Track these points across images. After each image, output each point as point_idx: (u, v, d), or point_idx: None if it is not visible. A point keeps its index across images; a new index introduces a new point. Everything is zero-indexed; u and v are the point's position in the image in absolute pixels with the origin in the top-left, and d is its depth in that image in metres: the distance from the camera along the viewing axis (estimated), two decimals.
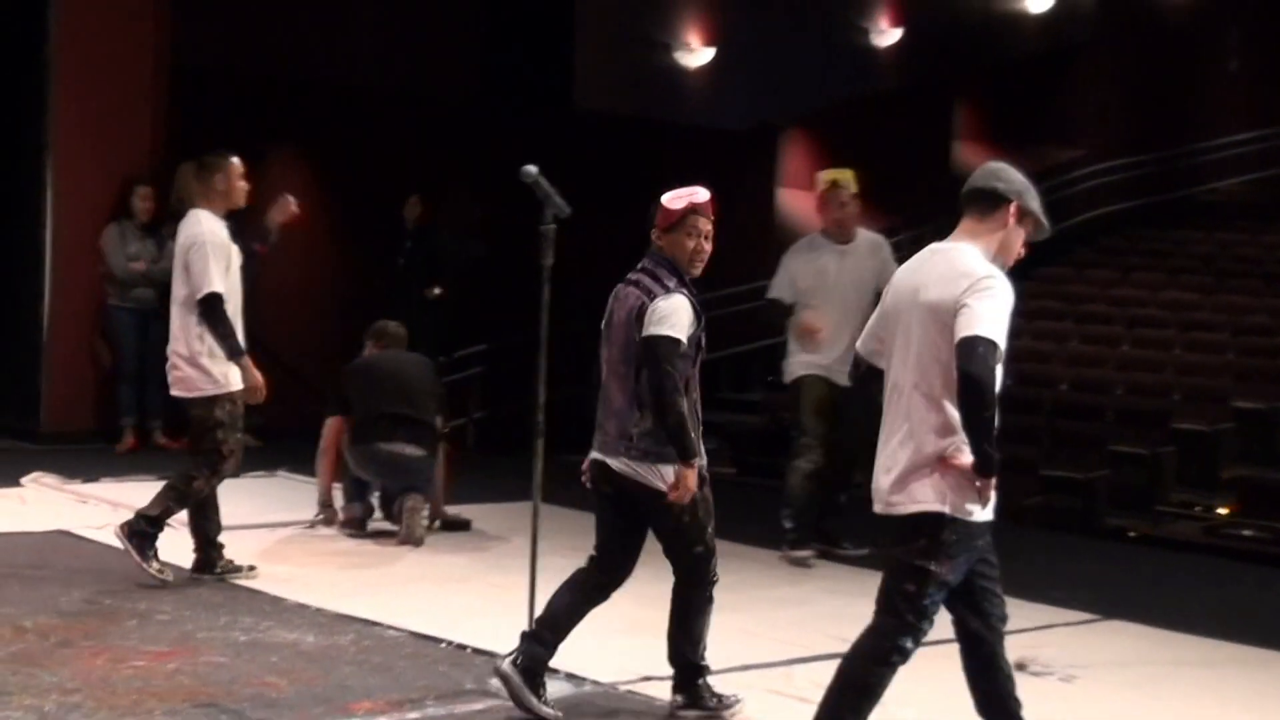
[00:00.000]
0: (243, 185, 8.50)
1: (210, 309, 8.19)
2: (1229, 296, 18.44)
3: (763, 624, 8.12)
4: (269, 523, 10.15)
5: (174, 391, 8.40)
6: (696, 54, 18.72)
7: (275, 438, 12.81)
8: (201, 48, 14.27)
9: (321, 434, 10.06)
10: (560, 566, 8.69)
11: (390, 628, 7.55)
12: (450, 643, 7.35)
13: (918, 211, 20.90)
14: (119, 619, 7.45)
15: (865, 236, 10.18)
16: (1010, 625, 7.82)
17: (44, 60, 12.75)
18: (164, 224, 12.76)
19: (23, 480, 10.95)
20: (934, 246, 5.52)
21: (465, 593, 8.50)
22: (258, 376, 8.34)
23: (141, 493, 10.62)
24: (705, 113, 18.88)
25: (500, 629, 7.32)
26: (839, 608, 8.49)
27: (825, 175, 10.18)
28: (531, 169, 6.83)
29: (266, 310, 15.13)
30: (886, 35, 21.29)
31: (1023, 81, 23.74)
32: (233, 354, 8.22)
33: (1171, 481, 13.99)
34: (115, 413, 12.82)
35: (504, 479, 11.11)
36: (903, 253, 20.39)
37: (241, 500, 10.82)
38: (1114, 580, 10.17)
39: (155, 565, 8.18)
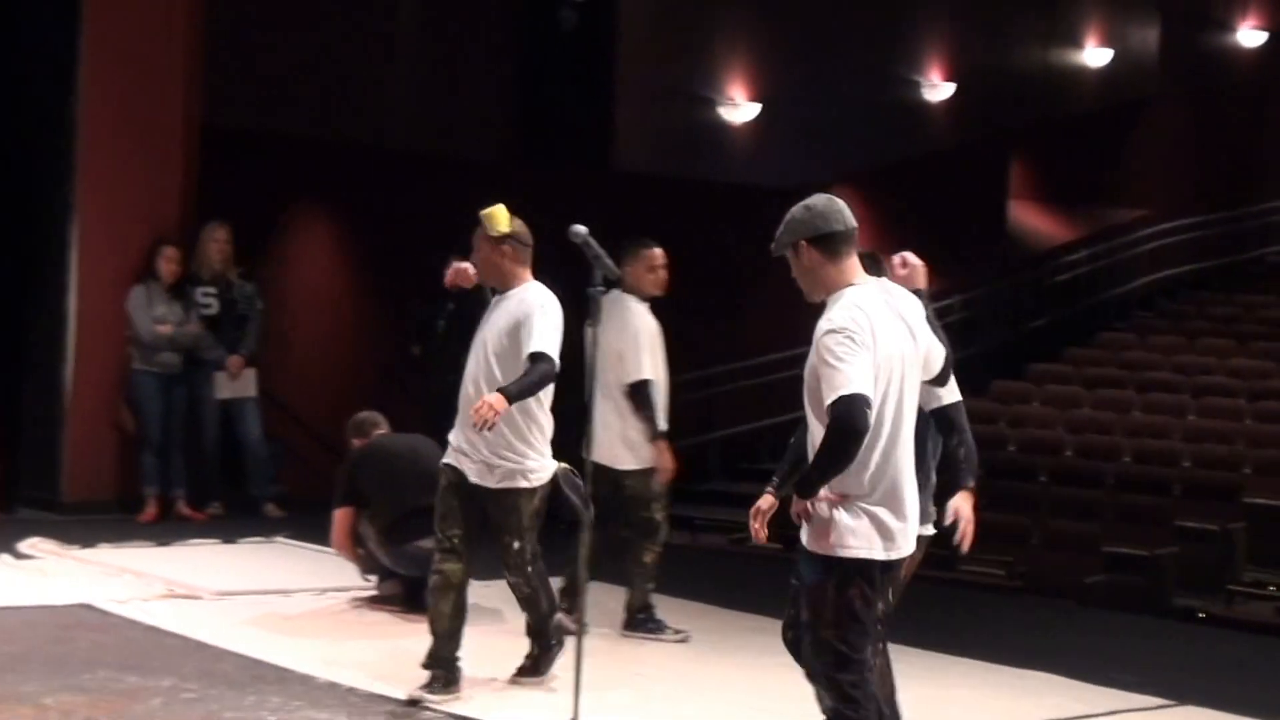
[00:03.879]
0: (653, 275, 9.01)
1: (641, 393, 8.90)
2: None
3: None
4: (273, 589, 9.91)
5: (599, 459, 8.37)
6: (741, 109, 18.55)
7: (302, 507, 12.43)
8: (232, 107, 14.13)
9: (332, 527, 9.58)
10: (604, 643, 8.58)
11: (427, 709, 7.28)
12: None
13: (971, 274, 20.60)
14: (143, 697, 7.25)
15: (519, 290, 7.59)
16: (1077, 711, 7.85)
17: (71, 119, 12.44)
18: (187, 286, 12.50)
19: (20, 546, 10.68)
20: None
21: (504, 671, 8.13)
22: (671, 458, 9.02)
23: (143, 559, 10.60)
24: (749, 171, 18.68)
25: (542, 711, 7.23)
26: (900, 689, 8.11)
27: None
28: (581, 229, 6.61)
29: (296, 374, 14.88)
30: (939, 90, 21.15)
31: (1082, 138, 23.56)
32: (655, 435, 8.93)
33: (1244, 559, 13.67)
34: (137, 481, 12.44)
35: (546, 552, 10.77)
36: (954, 317, 20.25)
37: (244, 567, 10.72)
38: (1185, 664, 9.79)
39: (670, 632, 9.11)
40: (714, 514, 16.02)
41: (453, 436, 7.58)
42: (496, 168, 16.49)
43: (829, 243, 5.46)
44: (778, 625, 9.51)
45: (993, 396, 17.82)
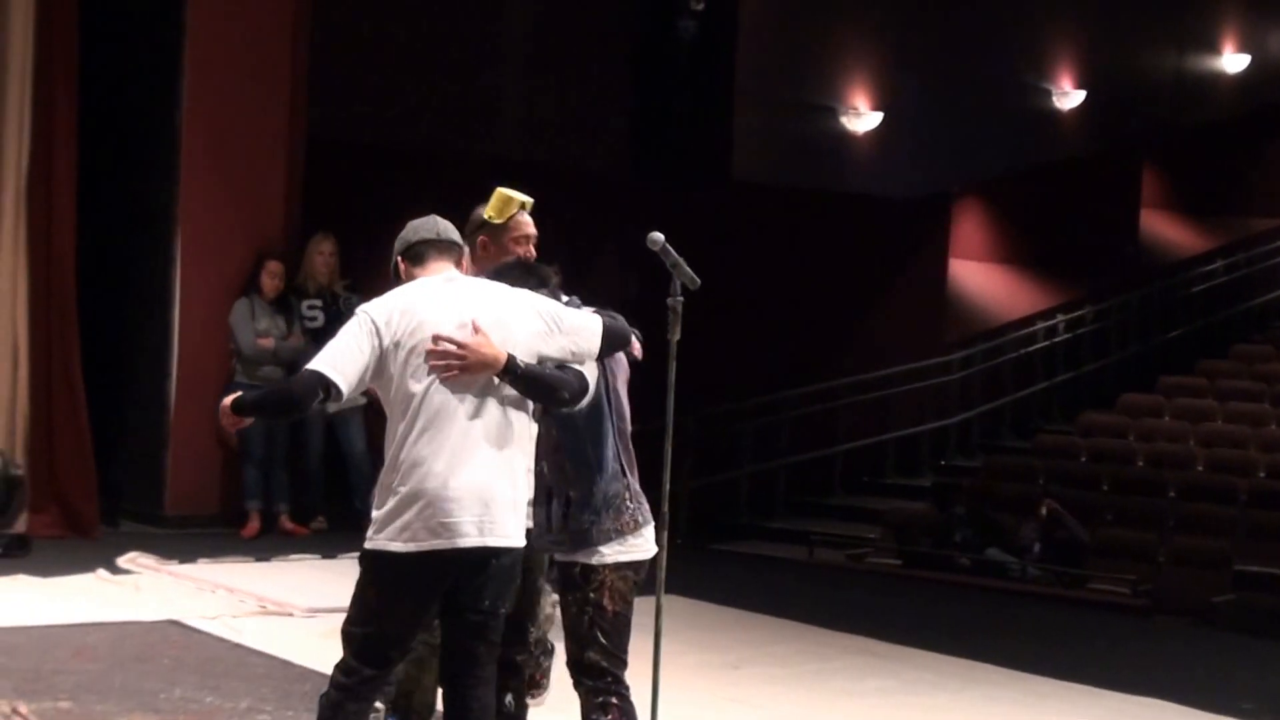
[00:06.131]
0: None
1: None
2: None
3: None
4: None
5: None
6: (864, 119, 18.17)
7: None
8: (339, 118, 13.95)
9: None
10: (684, 663, 8.22)
11: None
12: None
13: (1102, 285, 20.15)
14: (217, 717, 7.19)
15: None
16: None
17: (175, 129, 12.35)
18: (291, 299, 12.41)
19: (119, 560, 10.66)
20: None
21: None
22: None
23: (240, 574, 10.53)
24: (873, 181, 18.31)
25: None
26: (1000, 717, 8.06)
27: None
28: (658, 236, 6.25)
29: None
30: (1069, 97, 20.58)
31: (1217, 146, 23.02)
32: None
33: None
34: (240, 496, 12.37)
35: None
36: (1084, 329, 19.73)
37: (340, 583, 10.27)
38: None
39: None
40: (833, 529, 15.70)
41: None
42: (612, 179, 16.29)
43: (414, 251, 5.62)
44: (886, 648, 9.29)
45: (1122, 409, 17.38)
